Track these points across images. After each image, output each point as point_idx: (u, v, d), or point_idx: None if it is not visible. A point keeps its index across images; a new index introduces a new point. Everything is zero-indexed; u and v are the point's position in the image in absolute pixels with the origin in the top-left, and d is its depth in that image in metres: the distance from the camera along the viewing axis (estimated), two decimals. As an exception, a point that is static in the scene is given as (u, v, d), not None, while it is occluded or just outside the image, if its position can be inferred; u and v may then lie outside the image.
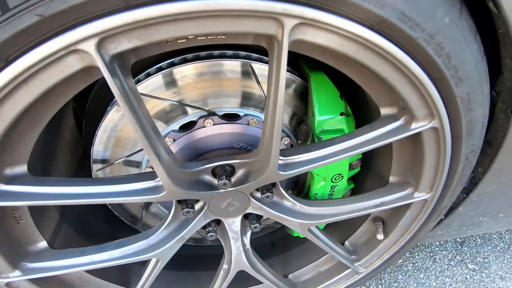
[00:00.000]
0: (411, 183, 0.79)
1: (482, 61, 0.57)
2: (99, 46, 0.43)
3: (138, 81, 0.75)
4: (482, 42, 0.57)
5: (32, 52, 0.41)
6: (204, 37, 0.52)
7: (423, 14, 0.47)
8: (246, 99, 0.81)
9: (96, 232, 0.98)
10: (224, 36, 0.51)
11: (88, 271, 0.89)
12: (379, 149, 0.84)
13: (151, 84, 0.75)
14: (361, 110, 0.84)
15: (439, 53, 0.51)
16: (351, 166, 0.87)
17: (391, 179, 0.83)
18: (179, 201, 0.81)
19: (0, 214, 0.67)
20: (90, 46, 0.42)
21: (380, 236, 0.88)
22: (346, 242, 1.00)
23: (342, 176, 0.85)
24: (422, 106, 0.60)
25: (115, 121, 0.79)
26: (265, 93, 0.75)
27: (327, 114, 0.76)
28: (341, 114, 0.77)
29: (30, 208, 0.72)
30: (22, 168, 0.62)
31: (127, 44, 0.45)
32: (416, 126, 0.64)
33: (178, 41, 0.52)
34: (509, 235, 1.36)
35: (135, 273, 0.96)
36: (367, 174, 0.92)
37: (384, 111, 0.66)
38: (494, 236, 1.37)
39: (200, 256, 1.16)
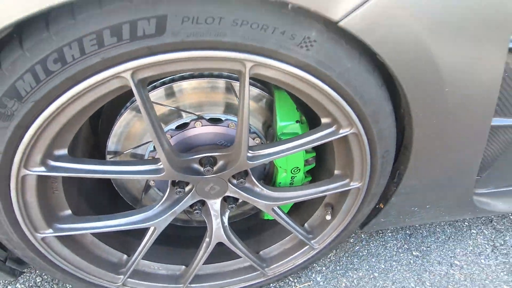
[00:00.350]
0: (348, 175, 1.11)
1: (381, 89, 0.89)
2: (133, 74, 0.75)
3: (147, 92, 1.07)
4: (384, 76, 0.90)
5: (93, 77, 0.73)
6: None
7: (333, 61, 0.79)
8: (227, 108, 1.13)
9: (102, 208, 1.28)
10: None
11: (99, 238, 1.19)
12: (328, 150, 1.17)
13: (157, 94, 1.07)
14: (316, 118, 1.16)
15: (348, 84, 0.84)
16: (307, 162, 1.20)
17: (336, 172, 1.15)
18: (173, 184, 1.12)
19: (44, 186, 0.97)
20: (127, 75, 0.74)
21: (328, 217, 1.20)
22: (306, 224, 1.32)
23: (299, 169, 1.17)
24: (343, 118, 0.92)
25: (128, 120, 1.11)
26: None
27: (286, 121, 1.08)
28: (297, 121, 1.09)
29: (63, 183, 1.02)
30: (64, 151, 0.92)
31: (149, 73, 0.77)
32: (343, 132, 0.96)
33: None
34: (450, 230, 1.70)
35: (134, 244, 1.26)
36: (320, 169, 1.25)
37: (323, 120, 0.99)
38: (438, 229, 1.70)
39: (185, 236, 1.46)
